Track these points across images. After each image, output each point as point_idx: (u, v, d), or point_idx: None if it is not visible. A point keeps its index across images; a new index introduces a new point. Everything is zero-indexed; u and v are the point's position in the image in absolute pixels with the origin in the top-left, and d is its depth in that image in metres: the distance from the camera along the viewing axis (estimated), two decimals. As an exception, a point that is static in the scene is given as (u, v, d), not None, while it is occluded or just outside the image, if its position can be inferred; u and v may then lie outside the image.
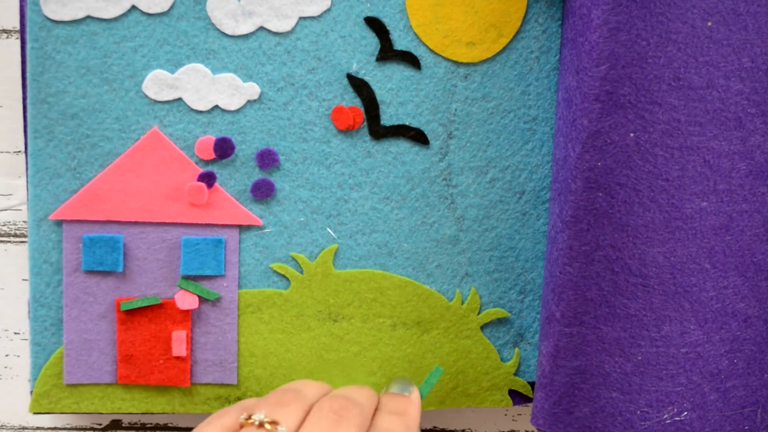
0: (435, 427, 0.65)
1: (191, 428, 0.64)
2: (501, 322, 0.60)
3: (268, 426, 0.51)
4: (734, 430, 0.56)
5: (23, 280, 0.63)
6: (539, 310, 0.60)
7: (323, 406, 0.52)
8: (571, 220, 0.54)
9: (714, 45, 0.53)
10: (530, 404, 0.62)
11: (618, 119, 0.53)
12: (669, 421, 0.56)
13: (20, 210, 0.62)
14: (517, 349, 0.60)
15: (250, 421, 0.51)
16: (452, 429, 0.65)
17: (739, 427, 0.56)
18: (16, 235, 0.63)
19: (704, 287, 0.55)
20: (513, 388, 0.61)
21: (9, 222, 0.62)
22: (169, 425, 0.64)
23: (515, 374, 0.61)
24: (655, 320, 0.55)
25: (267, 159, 0.57)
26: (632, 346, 0.55)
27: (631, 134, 0.53)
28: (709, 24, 0.52)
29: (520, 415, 0.65)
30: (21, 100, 0.59)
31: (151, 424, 0.64)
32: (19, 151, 0.62)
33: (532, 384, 0.61)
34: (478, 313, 0.60)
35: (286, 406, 0.52)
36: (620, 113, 0.53)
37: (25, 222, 0.62)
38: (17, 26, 0.60)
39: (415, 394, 0.56)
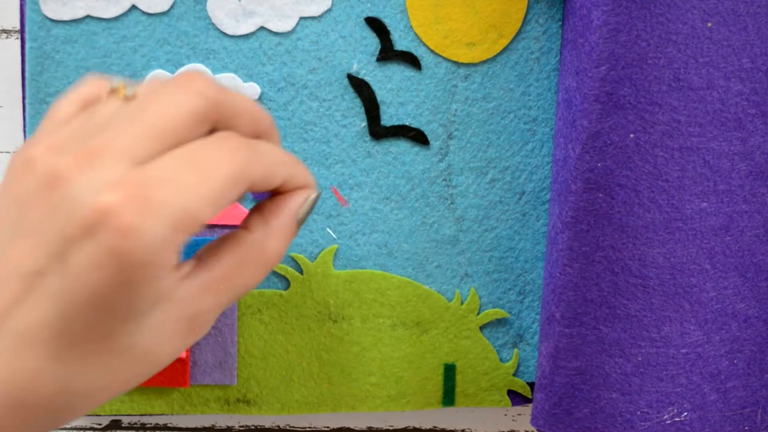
0: (435, 426, 0.65)
1: (191, 428, 0.64)
2: (500, 322, 0.60)
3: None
4: (734, 430, 0.56)
5: (23, 280, 0.63)
6: (539, 311, 0.60)
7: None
8: (571, 220, 0.54)
9: (714, 46, 0.53)
10: (529, 405, 0.62)
11: (618, 120, 0.53)
12: (669, 422, 0.56)
13: (20, 210, 0.62)
14: (516, 350, 0.60)
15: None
16: (452, 429, 0.65)
17: (739, 427, 0.56)
18: (15, 235, 0.63)
19: (704, 288, 0.55)
20: (512, 389, 0.61)
21: (9, 222, 0.62)
22: (169, 425, 0.64)
23: (514, 375, 0.61)
24: (655, 321, 0.55)
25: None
26: (632, 347, 0.55)
27: (631, 135, 0.53)
28: (709, 25, 0.52)
29: (520, 415, 0.65)
30: (21, 100, 0.59)
31: (151, 424, 0.64)
32: (19, 151, 0.62)
33: (531, 385, 0.61)
34: (478, 314, 0.60)
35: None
36: (620, 114, 0.53)
37: (24, 222, 0.62)
38: (17, 26, 0.60)
39: None
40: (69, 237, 0.37)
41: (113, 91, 0.41)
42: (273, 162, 0.43)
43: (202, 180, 0.38)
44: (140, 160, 0.38)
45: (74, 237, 0.37)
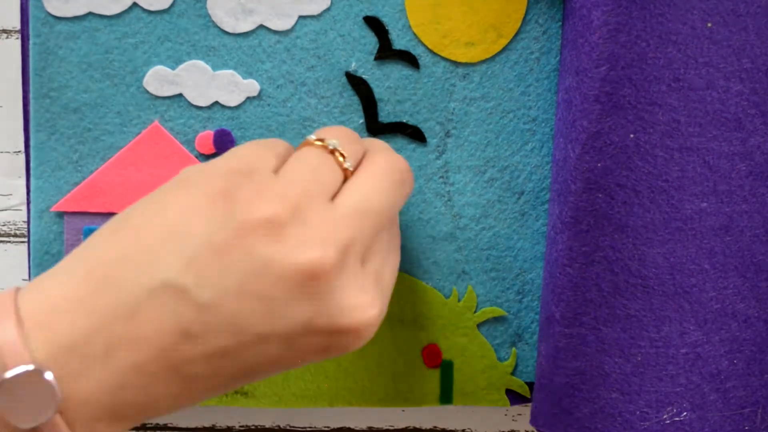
0: (435, 426, 0.64)
1: (191, 428, 0.64)
2: (498, 321, 0.60)
3: (339, 157, 0.48)
4: (734, 430, 0.55)
5: (23, 280, 0.63)
6: (538, 311, 0.60)
7: (389, 161, 0.49)
8: (571, 221, 0.54)
9: (714, 46, 0.53)
10: (529, 404, 0.62)
11: (618, 120, 0.53)
12: (669, 422, 0.55)
13: (20, 210, 0.62)
14: (514, 349, 0.60)
15: (322, 143, 0.48)
16: (452, 429, 0.65)
17: (739, 427, 0.55)
18: (16, 235, 0.63)
19: (704, 288, 0.55)
20: (510, 388, 0.60)
21: (9, 222, 0.63)
22: (170, 425, 0.64)
23: (513, 374, 0.60)
24: (655, 321, 0.55)
25: None
26: (632, 347, 0.55)
27: (631, 135, 0.53)
28: (709, 25, 0.53)
29: (520, 415, 0.64)
30: (21, 100, 0.59)
31: (151, 424, 0.64)
32: (19, 151, 0.62)
33: (530, 384, 0.60)
34: (475, 312, 0.60)
35: (353, 143, 0.50)
36: (620, 114, 0.53)
37: (24, 222, 0.62)
38: (17, 26, 0.61)
39: None
40: (311, 329, 0.44)
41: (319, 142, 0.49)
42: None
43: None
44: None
45: (316, 331, 0.44)
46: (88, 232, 0.57)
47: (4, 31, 0.61)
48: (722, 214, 0.54)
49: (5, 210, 0.63)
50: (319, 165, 0.47)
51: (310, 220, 0.44)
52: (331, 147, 0.48)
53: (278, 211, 0.43)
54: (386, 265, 0.49)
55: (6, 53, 0.61)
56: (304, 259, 0.43)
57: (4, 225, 0.63)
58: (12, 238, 0.63)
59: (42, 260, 0.57)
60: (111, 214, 0.57)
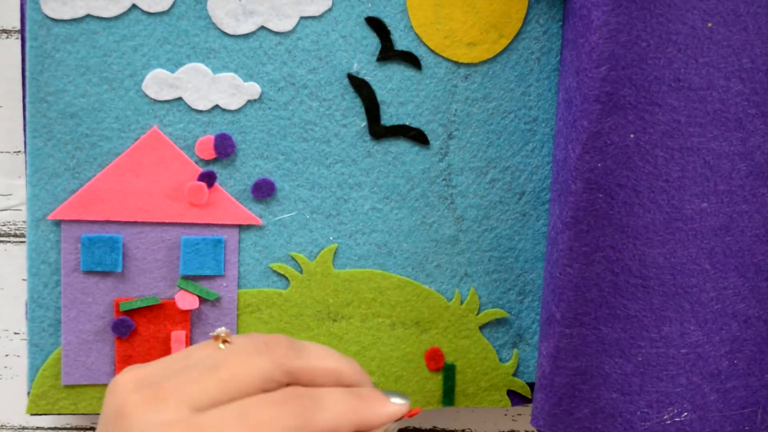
0: (435, 427, 0.65)
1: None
2: (500, 322, 0.60)
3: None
4: (734, 430, 0.56)
5: (23, 280, 0.63)
6: (539, 311, 0.60)
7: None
8: (571, 221, 0.54)
9: (714, 46, 0.53)
10: (529, 405, 0.62)
11: (618, 120, 0.53)
12: (669, 422, 0.56)
13: (20, 210, 0.62)
14: (515, 350, 0.60)
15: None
16: (452, 429, 0.65)
17: (739, 427, 0.56)
18: (16, 235, 0.63)
19: (704, 288, 0.55)
20: (511, 389, 0.61)
21: (9, 222, 0.62)
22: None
23: (514, 375, 0.61)
24: (656, 321, 0.55)
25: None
26: (632, 347, 0.55)
27: (632, 135, 0.53)
28: (709, 25, 0.52)
29: (520, 415, 0.65)
30: (21, 100, 0.59)
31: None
32: (19, 151, 0.62)
33: (531, 385, 0.61)
34: (477, 314, 0.60)
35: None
36: (620, 114, 0.53)
37: (24, 222, 0.62)
38: (17, 26, 0.60)
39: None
40: None
41: (215, 337, 0.45)
42: (341, 413, 0.43)
43: None
44: (200, 407, 0.41)
45: None
46: (86, 241, 0.57)
47: (4, 31, 0.61)
48: (722, 214, 0.54)
49: (5, 210, 0.62)
50: None
51: None
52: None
53: None
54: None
55: (6, 53, 0.61)
56: None
57: (4, 225, 0.63)
58: (12, 238, 0.63)
59: (39, 269, 0.57)
60: (109, 222, 0.57)
